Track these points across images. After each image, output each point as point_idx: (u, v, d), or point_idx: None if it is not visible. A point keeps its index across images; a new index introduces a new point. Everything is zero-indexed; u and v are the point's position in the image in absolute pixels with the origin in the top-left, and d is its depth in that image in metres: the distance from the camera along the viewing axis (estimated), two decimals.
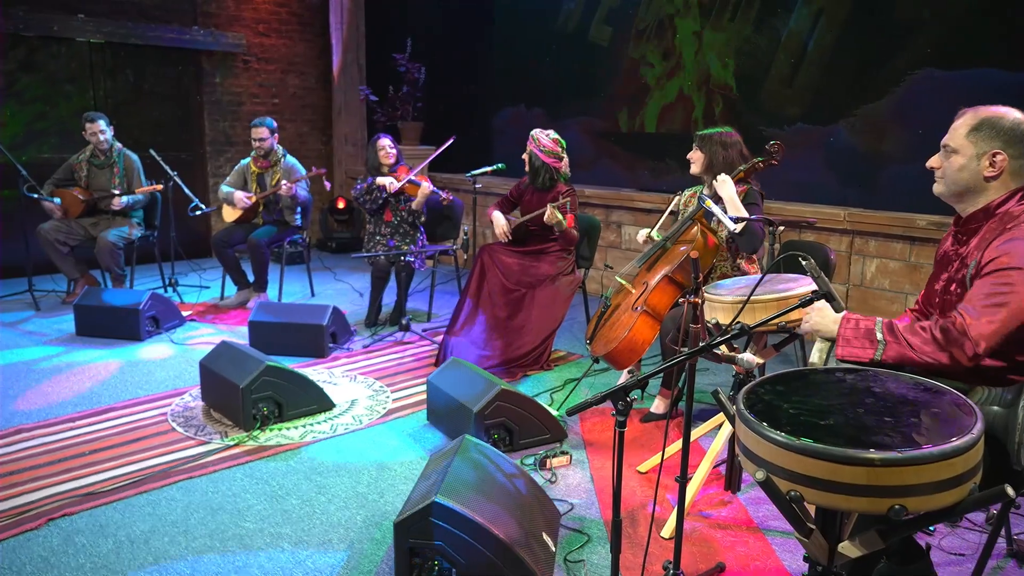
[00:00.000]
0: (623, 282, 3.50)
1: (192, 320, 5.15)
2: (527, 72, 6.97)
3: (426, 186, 4.88)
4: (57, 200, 5.40)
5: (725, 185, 3.14)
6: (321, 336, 4.36)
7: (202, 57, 7.50)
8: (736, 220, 2.89)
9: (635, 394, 3.81)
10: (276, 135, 5.54)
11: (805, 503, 1.43)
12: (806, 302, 1.67)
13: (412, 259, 4.88)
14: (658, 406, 3.53)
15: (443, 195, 4.86)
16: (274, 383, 3.37)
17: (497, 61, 7.27)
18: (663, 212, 5.48)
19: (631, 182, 6.12)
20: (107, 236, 5.34)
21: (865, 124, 4.74)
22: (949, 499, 1.37)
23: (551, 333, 4.30)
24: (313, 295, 5.95)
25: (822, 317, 1.91)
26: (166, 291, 5.89)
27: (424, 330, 4.96)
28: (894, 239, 4.46)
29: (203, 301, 5.68)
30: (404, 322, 4.71)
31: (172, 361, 4.33)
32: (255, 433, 3.30)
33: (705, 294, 2.61)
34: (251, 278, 5.57)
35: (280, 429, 3.37)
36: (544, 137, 4.39)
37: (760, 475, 1.40)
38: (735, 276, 3.36)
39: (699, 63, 5.58)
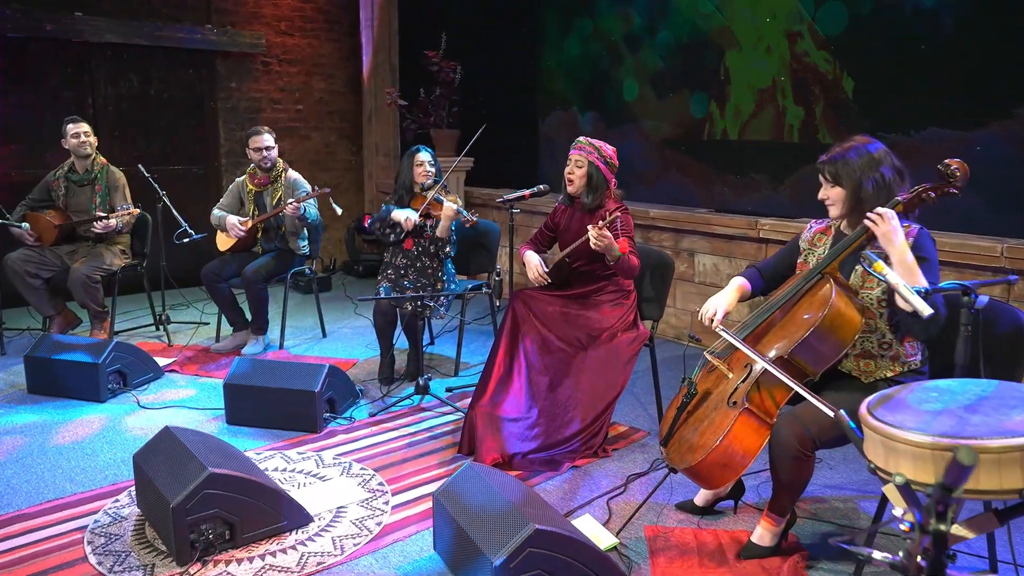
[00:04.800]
0: (715, 362, 2.44)
1: (172, 371, 4.28)
2: (579, 69, 5.93)
3: (450, 206, 3.90)
4: (26, 225, 4.60)
5: (894, 241, 1.98)
6: (312, 406, 3.42)
7: (217, 59, 6.69)
8: (921, 294, 1.78)
9: (727, 503, 2.78)
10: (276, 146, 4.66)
11: None
12: None
13: (431, 303, 3.90)
14: (762, 536, 2.45)
15: (467, 216, 3.86)
16: (222, 497, 2.43)
17: (544, 57, 6.26)
18: (747, 239, 4.38)
19: (707, 201, 5.02)
20: (81, 268, 4.52)
21: None
22: None
23: (608, 407, 3.26)
24: (324, 335, 5.03)
25: None
26: (157, 328, 5.06)
27: (448, 391, 3.98)
28: None
29: (194, 344, 4.81)
30: (422, 382, 3.74)
31: (127, 435, 3.44)
32: (192, 572, 2.36)
33: (870, 420, 1.55)
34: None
35: (228, 564, 2.42)
36: (606, 145, 3.41)
37: None
38: (883, 357, 2.27)
39: (794, 52, 4.47)
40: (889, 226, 2.06)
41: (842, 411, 1.69)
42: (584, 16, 5.82)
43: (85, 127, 4.64)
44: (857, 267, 2.27)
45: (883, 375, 2.28)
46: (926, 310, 1.73)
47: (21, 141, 5.83)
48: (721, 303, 2.51)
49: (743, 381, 2.28)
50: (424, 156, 4.13)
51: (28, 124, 5.84)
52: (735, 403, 2.26)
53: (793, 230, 4.10)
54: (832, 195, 2.28)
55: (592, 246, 3.11)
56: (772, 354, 2.25)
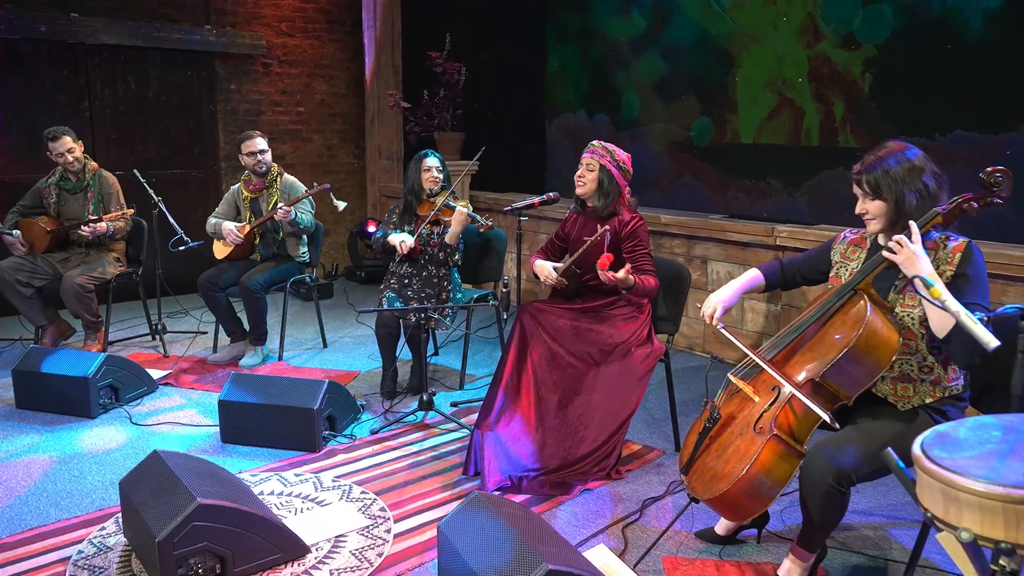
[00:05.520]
0: (740, 384, 2.28)
1: (167, 385, 4.12)
2: (587, 71, 5.77)
3: (461, 210, 3.76)
4: (17, 232, 4.46)
5: (916, 268, 1.84)
6: (311, 424, 3.26)
7: (216, 60, 6.55)
8: (984, 322, 1.61)
9: (750, 532, 2.61)
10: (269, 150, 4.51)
11: None
12: None
13: (435, 315, 3.75)
14: (790, 571, 2.28)
15: (481, 220, 3.71)
16: (212, 529, 2.27)
17: (551, 58, 6.10)
18: (763, 247, 4.22)
19: (720, 207, 4.86)
20: (73, 277, 4.37)
21: None
22: None
23: (621, 426, 3.09)
24: (325, 345, 4.87)
25: None
26: (153, 338, 4.92)
27: (453, 405, 3.82)
28: None
29: (191, 355, 4.65)
30: (425, 397, 3.58)
31: (118, 454, 3.29)
32: None
33: (926, 464, 1.39)
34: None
35: None
36: (620, 150, 3.26)
37: None
38: (923, 382, 2.10)
39: (812, 53, 4.30)
40: (906, 254, 1.90)
41: (889, 449, 1.52)
42: (591, 18, 5.65)
43: (68, 143, 4.44)
44: (896, 282, 2.10)
45: (922, 401, 2.12)
46: (992, 342, 1.56)
47: (16, 144, 5.69)
48: (722, 300, 2.37)
49: (771, 405, 2.12)
50: (432, 162, 3.99)
51: (23, 127, 5.69)
52: (761, 429, 2.10)
53: (811, 237, 3.93)
54: (871, 208, 2.08)
55: (617, 280, 2.97)
56: (802, 376, 2.09)
